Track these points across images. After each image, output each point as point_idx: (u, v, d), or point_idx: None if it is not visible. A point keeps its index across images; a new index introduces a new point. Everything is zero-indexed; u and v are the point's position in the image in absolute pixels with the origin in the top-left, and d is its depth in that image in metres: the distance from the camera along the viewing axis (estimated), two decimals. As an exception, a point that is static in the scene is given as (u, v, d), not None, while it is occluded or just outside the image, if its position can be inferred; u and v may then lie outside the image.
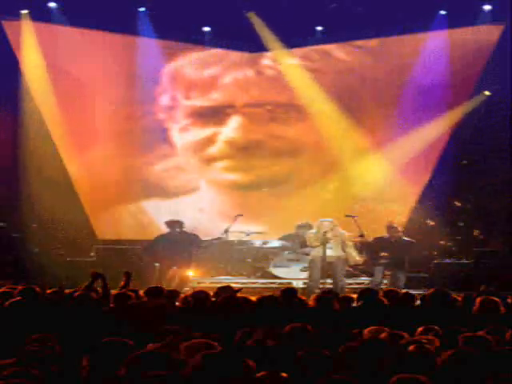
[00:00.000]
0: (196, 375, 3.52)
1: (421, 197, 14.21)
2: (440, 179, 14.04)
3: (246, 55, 14.69)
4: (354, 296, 6.85)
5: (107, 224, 14.45)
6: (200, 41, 14.37)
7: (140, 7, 13.76)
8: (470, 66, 13.80)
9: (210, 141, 14.74)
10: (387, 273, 11.07)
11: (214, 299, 6.46)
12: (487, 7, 13.49)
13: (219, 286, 7.14)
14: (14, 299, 6.08)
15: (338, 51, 14.64)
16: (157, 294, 6.57)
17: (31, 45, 13.82)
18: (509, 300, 6.87)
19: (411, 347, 4.17)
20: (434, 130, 14.10)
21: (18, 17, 13.66)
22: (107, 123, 14.45)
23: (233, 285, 7.88)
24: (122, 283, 7.46)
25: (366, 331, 5.00)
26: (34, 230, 13.21)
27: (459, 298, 6.63)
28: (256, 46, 14.22)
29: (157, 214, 14.08)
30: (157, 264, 11.57)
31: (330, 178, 14.54)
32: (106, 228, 14.43)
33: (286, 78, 14.52)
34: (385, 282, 11.04)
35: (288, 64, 14.51)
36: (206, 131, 14.75)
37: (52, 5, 13.59)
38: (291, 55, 14.48)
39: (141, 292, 6.85)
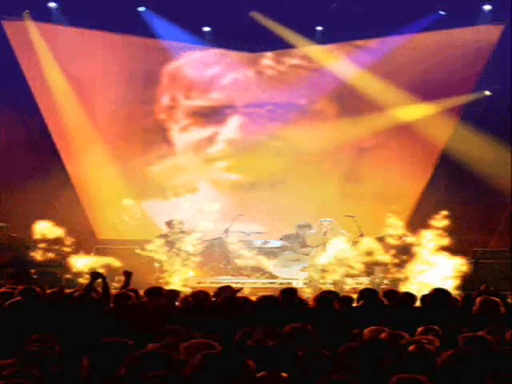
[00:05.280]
0: (196, 375, 3.52)
1: (421, 197, 14.21)
2: (440, 179, 14.05)
3: (246, 55, 14.69)
4: (354, 296, 6.85)
5: (107, 224, 14.45)
6: (200, 41, 14.37)
7: (140, 7, 13.76)
8: (470, 65, 13.81)
9: (210, 141, 14.74)
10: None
11: (214, 299, 6.46)
12: (487, 7, 13.50)
13: (219, 285, 7.14)
14: (13, 299, 6.07)
15: (337, 51, 14.64)
16: (157, 293, 6.56)
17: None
18: (509, 300, 6.87)
19: (411, 347, 4.17)
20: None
21: (18, 17, 13.66)
22: (107, 123, 14.46)
23: (233, 285, 7.88)
24: (122, 283, 7.46)
25: (366, 331, 5.00)
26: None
27: (459, 298, 6.63)
28: (256, 46, 14.22)
29: (157, 214, 14.08)
30: (157, 264, 11.56)
31: (329, 178, 14.53)
32: (106, 228, 14.43)
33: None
34: (385, 282, 11.04)
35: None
36: (206, 131, 14.76)
37: (52, 5, 13.60)
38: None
39: (141, 292, 6.84)
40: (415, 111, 14.19)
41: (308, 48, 14.43)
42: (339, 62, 14.56)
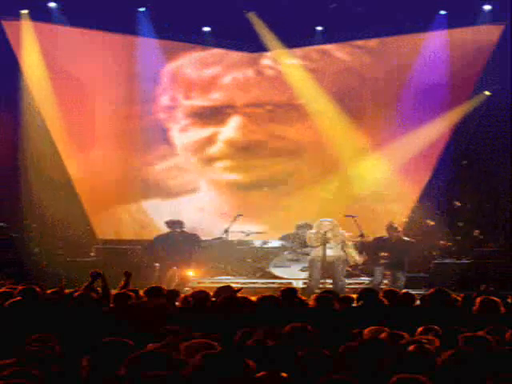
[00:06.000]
0: (196, 375, 3.52)
1: (421, 196, 14.22)
2: (440, 179, 14.06)
3: (246, 55, 14.69)
4: (354, 296, 6.85)
5: (107, 224, 14.45)
6: (200, 41, 14.36)
7: (140, 7, 13.75)
8: (470, 65, 13.80)
9: (210, 141, 14.74)
10: (387, 273, 11.05)
11: (213, 299, 6.46)
12: (487, 7, 13.48)
13: (219, 286, 7.14)
14: (14, 299, 6.08)
15: (338, 51, 14.64)
16: (157, 293, 6.57)
17: (31, 45, 13.83)
18: (509, 300, 6.87)
19: (411, 347, 4.17)
20: (435, 129, 14.11)
21: (18, 17, 13.66)
22: (107, 123, 14.46)
23: (233, 285, 7.88)
24: (122, 283, 7.47)
25: (366, 331, 5.00)
26: (34, 230, 13.21)
27: (459, 298, 6.63)
28: (256, 46, 14.21)
29: (157, 214, 14.08)
30: (157, 264, 11.57)
31: (329, 178, 14.53)
32: (106, 228, 14.43)
33: (287, 77, 14.51)
34: (385, 281, 11.04)
35: (289, 64, 14.51)
36: (205, 131, 14.75)
37: (52, 5, 13.59)
38: (292, 55, 14.48)
39: (141, 292, 6.84)
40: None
41: (306, 49, 14.46)
42: (339, 63, 14.57)
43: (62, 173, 13.97)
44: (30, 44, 13.82)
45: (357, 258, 10.81)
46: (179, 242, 11.34)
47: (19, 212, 13.37)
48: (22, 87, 13.76)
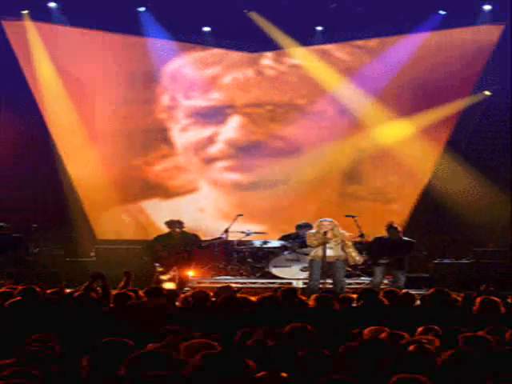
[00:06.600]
0: (196, 375, 3.52)
1: (421, 197, 14.22)
2: (440, 179, 14.07)
3: (246, 55, 14.69)
4: (354, 296, 6.85)
5: (107, 224, 14.45)
6: (200, 41, 14.37)
7: (140, 7, 13.76)
8: (469, 65, 13.81)
9: (210, 141, 14.74)
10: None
11: (214, 299, 6.46)
12: (487, 7, 13.48)
13: (219, 286, 7.14)
14: (14, 299, 6.08)
15: (338, 51, 14.64)
16: (157, 294, 6.57)
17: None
18: (509, 300, 6.88)
19: (411, 347, 4.17)
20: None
21: (18, 17, 13.66)
22: (107, 123, 14.46)
23: (233, 285, 7.88)
24: (122, 283, 7.47)
25: (366, 331, 5.01)
26: (34, 230, 13.21)
27: (459, 298, 6.63)
28: (256, 46, 14.22)
29: (157, 214, 14.08)
30: (157, 264, 11.56)
31: (329, 178, 14.53)
32: (106, 228, 14.43)
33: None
34: (385, 281, 11.03)
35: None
36: (206, 131, 14.75)
37: (52, 5, 13.59)
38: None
39: (141, 292, 6.85)
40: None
41: (307, 49, 14.44)
42: (339, 63, 14.57)
43: (62, 173, 14.00)
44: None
45: (357, 258, 10.77)
46: (179, 241, 11.33)
47: (20, 212, 13.38)
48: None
